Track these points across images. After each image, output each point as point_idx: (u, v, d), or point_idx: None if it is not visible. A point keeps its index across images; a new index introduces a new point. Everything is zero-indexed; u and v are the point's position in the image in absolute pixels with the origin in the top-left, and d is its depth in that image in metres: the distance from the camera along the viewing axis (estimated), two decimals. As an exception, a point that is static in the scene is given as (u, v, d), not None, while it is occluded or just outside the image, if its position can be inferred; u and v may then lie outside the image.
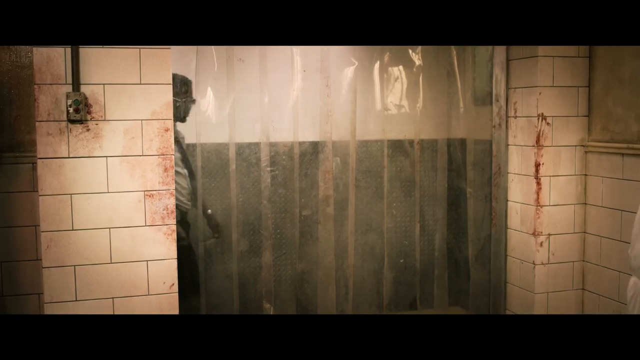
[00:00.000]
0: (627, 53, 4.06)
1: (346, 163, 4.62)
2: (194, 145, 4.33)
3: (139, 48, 3.41)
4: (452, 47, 4.79)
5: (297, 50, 4.43)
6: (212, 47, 4.29)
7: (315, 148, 4.60)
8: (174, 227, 3.55)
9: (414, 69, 4.79)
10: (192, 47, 4.23)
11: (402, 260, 4.94)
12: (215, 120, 4.40)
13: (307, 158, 4.62)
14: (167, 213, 3.53)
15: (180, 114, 4.13)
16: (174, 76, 3.96)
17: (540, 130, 4.30)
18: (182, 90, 4.13)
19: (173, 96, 3.57)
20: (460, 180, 4.91)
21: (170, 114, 3.50)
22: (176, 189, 3.89)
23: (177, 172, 3.93)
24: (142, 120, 3.45)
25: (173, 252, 3.55)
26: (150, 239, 3.51)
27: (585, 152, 4.39)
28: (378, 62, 4.70)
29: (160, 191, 3.51)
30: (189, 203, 4.23)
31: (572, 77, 4.35)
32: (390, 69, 4.76)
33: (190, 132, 4.34)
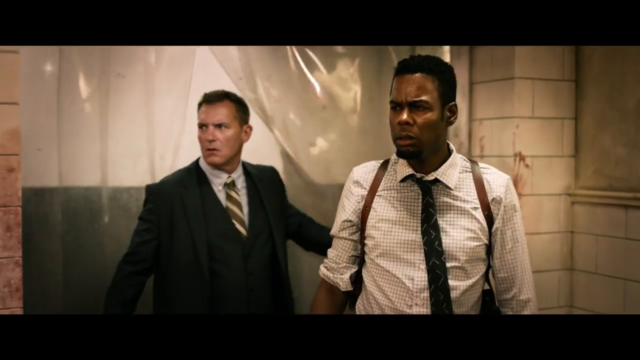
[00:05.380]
0: (630, 77, 3.59)
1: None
2: (51, 191, 3.66)
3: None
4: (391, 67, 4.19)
5: (196, 59, 3.72)
6: (82, 55, 3.58)
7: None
8: (22, 312, 2.79)
9: (348, 91, 4.16)
10: (52, 51, 3.54)
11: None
12: (83, 156, 3.72)
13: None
14: (11, 292, 2.77)
15: None
16: None
17: (517, 175, 3.74)
18: None
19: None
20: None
21: (17, 147, 2.77)
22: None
23: None
24: (-28, 156, 2.73)
25: (20, 349, 2.73)
26: (-17, 332, 2.67)
27: (572, 202, 3.87)
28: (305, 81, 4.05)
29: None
30: None
31: (555, 107, 3.86)
32: (318, 92, 4.11)
33: (48, 172, 3.64)
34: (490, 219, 2.43)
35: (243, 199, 3.24)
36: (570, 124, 3.89)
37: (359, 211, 2.52)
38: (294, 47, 3.97)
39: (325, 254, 2.80)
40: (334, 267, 2.61)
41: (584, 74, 3.85)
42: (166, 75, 3.71)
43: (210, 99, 3.19)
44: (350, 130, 4.21)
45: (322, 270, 2.64)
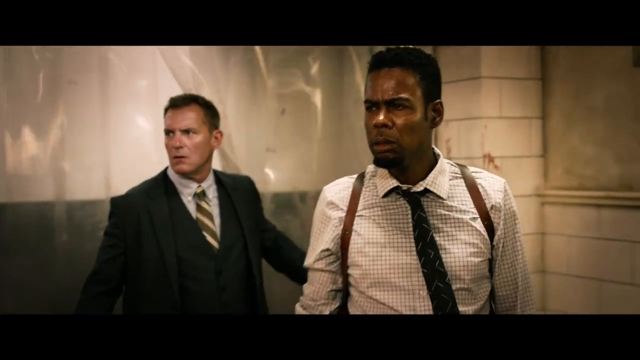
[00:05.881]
0: (598, 74, 3.57)
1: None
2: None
3: None
4: (357, 67, 4.11)
5: (156, 66, 3.59)
6: (31, 60, 3.45)
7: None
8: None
9: (307, 94, 4.07)
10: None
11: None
12: (34, 169, 3.58)
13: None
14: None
15: None
16: None
17: (487, 177, 3.69)
18: None
19: None
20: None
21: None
22: None
23: None
24: None
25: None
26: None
27: (542, 203, 3.81)
28: (261, 86, 3.96)
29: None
30: None
31: (523, 106, 3.82)
32: (275, 96, 4.01)
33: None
34: (490, 229, 2.09)
35: (214, 210, 3.02)
36: (538, 123, 3.84)
37: (337, 237, 2.14)
38: (249, 52, 3.86)
39: (296, 279, 2.63)
40: (311, 305, 2.23)
41: (551, 72, 3.81)
42: (124, 83, 3.57)
43: (177, 103, 2.98)
44: (310, 135, 4.11)
45: (298, 309, 2.28)
